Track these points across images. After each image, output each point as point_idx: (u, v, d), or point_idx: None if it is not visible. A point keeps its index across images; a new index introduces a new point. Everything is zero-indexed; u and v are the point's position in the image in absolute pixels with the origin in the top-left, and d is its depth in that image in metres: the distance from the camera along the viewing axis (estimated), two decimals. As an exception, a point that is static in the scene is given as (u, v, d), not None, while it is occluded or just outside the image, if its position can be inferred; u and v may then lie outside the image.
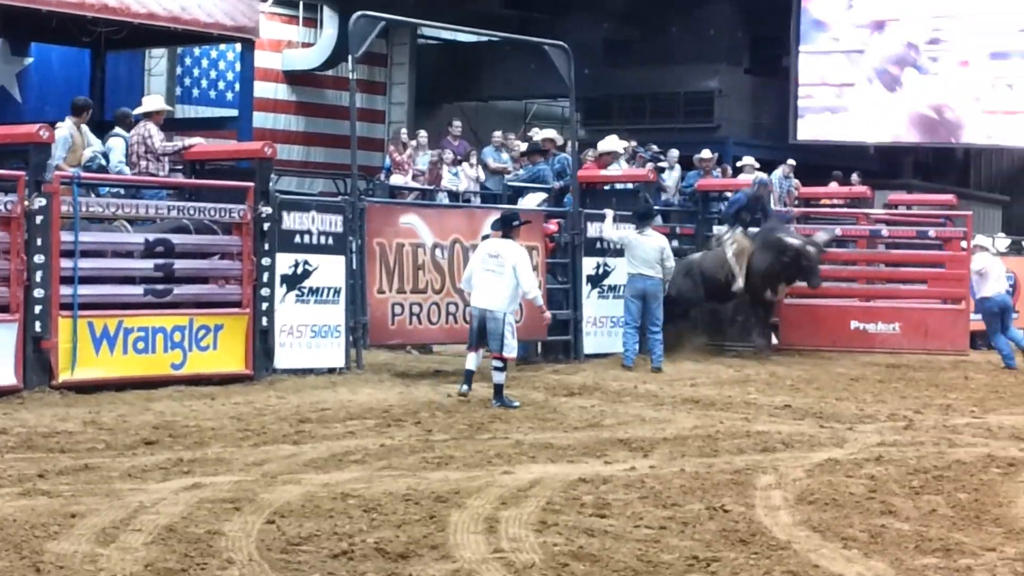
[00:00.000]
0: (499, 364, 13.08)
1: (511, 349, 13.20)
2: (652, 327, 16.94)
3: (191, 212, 14.07)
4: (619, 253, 17.37)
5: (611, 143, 19.54)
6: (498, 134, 20.60)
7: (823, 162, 28.03)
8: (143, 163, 14.88)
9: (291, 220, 14.59)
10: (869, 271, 20.92)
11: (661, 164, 21.25)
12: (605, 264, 17.71)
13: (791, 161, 23.64)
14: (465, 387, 13.22)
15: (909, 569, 7.15)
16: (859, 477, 9.64)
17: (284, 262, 14.45)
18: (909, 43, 32.31)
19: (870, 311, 19.85)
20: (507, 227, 13.48)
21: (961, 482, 9.56)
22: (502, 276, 13.11)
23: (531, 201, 18.31)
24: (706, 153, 21.61)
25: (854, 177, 25.93)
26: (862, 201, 22.58)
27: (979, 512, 8.57)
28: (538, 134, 20.03)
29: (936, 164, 35.21)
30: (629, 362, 16.75)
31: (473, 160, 20.54)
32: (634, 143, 21.00)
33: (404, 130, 21.77)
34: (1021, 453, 10.90)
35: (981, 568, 7.19)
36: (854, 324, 19.62)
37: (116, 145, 15.29)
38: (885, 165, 34.04)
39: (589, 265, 17.61)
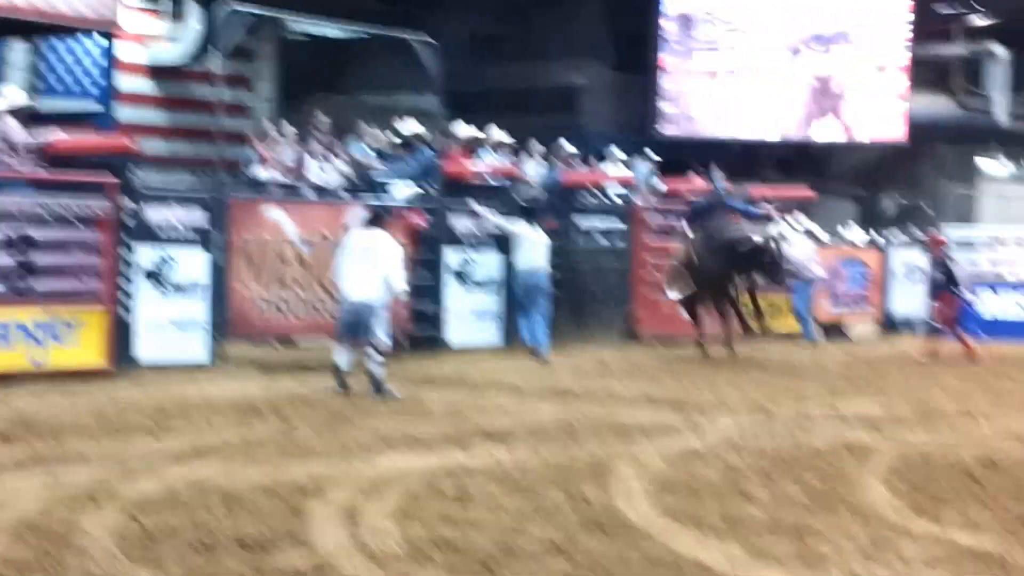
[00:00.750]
0: (378, 358, 13.12)
1: (384, 340, 13.25)
2: (540, 319, 17.25)
3: (51, 206, 13.88)
4: (485, 246, 17.50)
5: (472, 129, 19.67)
6: (365, 128, 20.53)
7: (685, 156, 28.37)
8: (3, 157, 14.61)
9: (154, 214, 14.49)
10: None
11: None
12: (470, 258, 17.79)
13: (652, 155, 23.86)
14: (340, 388, 13.20)
15: (763, 553, 7.31)
16: (716, 465, 9.83)
17: (146, 256, 14.34)
18: (769, 44, 33.09)
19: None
20: (378, 220, 13.52)
21: (814, 468, 9.77)
22: (375, 267, 13.15)
23: (399, 194, 18.30)
24: (568, 147, 21.73)
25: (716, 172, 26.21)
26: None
27: (831, 497, 8.79)
28: (404, 127, 20.05)
29: (793, 158, 35.87)
30: (535, 344, 17.20)
31: (340, 154, 20.46)
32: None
33: (270, 123, 21.60)
34: (871, 439, 11.18)
35: (832, 550, 7.37)
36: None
37: None
38: (744, 159, 34.58)
39: (454, 259, 17.68)
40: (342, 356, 13.35)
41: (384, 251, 13.25)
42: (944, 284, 19.24)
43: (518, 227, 17.59)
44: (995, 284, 24.15)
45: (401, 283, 13.48)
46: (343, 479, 8.86)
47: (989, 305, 23.76)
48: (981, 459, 10.21)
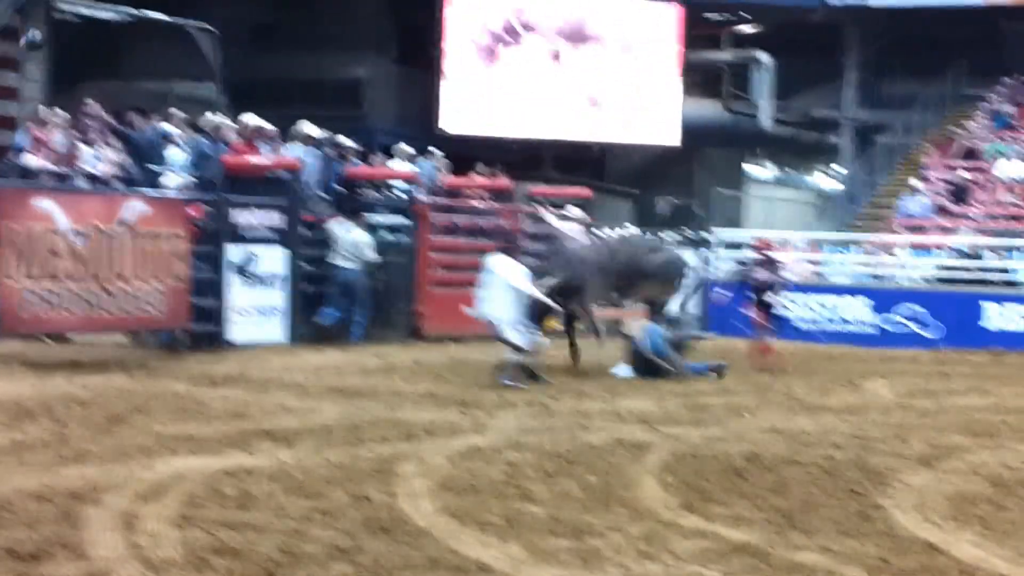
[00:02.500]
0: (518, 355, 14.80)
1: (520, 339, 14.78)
2: (357, 313, 18.78)
3: None
4: (268, 241, 17.43)
5: (256, 118, 19.55)
6: (136, 116, 20.11)
7: (468, 153, 28.54)
8: None
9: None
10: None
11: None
12: (252, 253, 17.61)
13: (439, 152, 23.93)
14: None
15: (542, 551, 7.42)
16: (498, 463, 9.93)
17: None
18: (546, 46, 33.65)
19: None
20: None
21: (592, 465, 9.95)
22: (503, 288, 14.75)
23: (169, 182, 17.97)
24: (346, 140, 21.64)
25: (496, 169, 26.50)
26: (504, 192, 23.14)
27: (608, 494, 8.99)
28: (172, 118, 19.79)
29: (573, 158, 36.44)
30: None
31: (114, 142, 20.00)
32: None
33: (43, 107, 21.00)
34: (646, 436, 11.41)
35: (608, 547, 7.54)
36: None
37: None
38: (526, 159, 34.99)
39: (235, 253, 17.45)
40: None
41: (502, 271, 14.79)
42: (766, 287, 18.48)
43: (333, 226, 18.79)
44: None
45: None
46: (120, 483, 8.66)
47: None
48: (746, 454, 10.58)
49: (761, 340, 18.32)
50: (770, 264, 18.73)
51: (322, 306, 18.99)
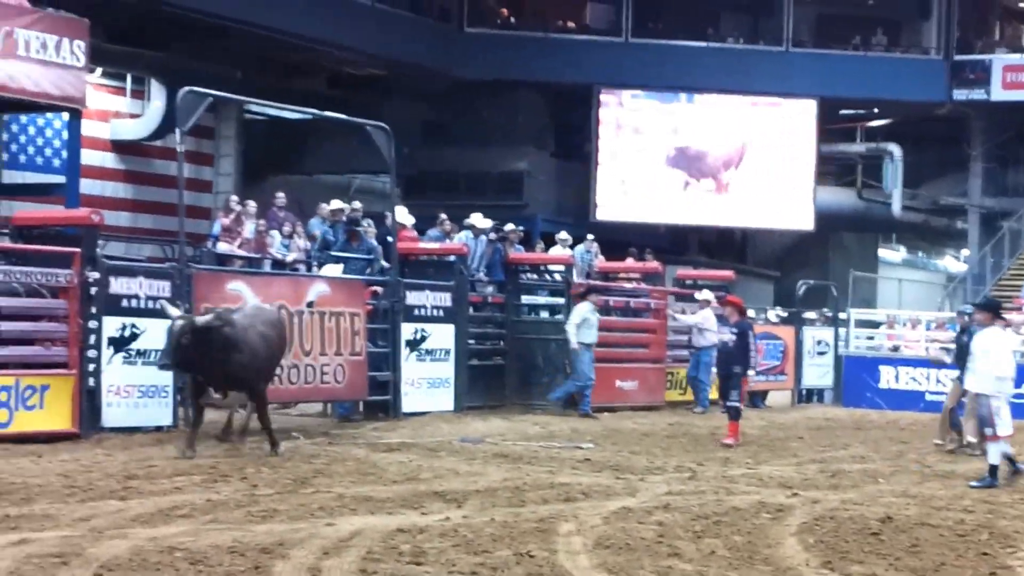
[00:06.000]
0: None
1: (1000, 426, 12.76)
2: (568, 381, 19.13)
3: (18, 276, 13.61)
4: (436, 319, 17.61)
5: (402, 215, 19.90)
6: (325, 208, 20.48)
7: (620, 239, 28.56)
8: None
9: (119, 285, 14.19)
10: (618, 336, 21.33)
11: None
12: (422, 330, 17.76)
13: (591, 237, 23.99)
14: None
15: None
16: (649, 523, 9.83)
17: (112, 325, 14.05)
18: (694, 142, 33.78)
19: (625, 371, 20.75)
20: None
21: (737, 526, 9.83)
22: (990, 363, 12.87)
23: (330, 271, 18.20)
24: (510, 228, 21.81)
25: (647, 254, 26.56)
26: (654, 275, 23.07)
27: (752, 553, 8.85)
28: (343, 206, 20.10)
29: (718, 243, 36.29)
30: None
31: (301, 231, 20.37)
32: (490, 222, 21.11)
33: (234, 197, 21.45)
34: (788, 500, 11.29)
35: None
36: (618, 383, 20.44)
37: None
38: (674, 243, 34.92)
39: (408, 330, 17.59)
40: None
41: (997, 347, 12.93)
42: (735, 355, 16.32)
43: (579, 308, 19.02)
44: (892, 360, 24.46)
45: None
46: (305, 539, 8.67)
47: (887, 378, 23.89)
48: (881, 517, 10.43)
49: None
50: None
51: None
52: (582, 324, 18.93)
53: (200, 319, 12.50)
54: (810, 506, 10.95)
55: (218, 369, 12.69)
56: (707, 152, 34.16)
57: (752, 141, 34.35)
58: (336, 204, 19.94)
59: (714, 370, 17.39)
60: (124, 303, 14.17)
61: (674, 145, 33.92)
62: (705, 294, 21.40)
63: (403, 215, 19.91)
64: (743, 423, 16.63)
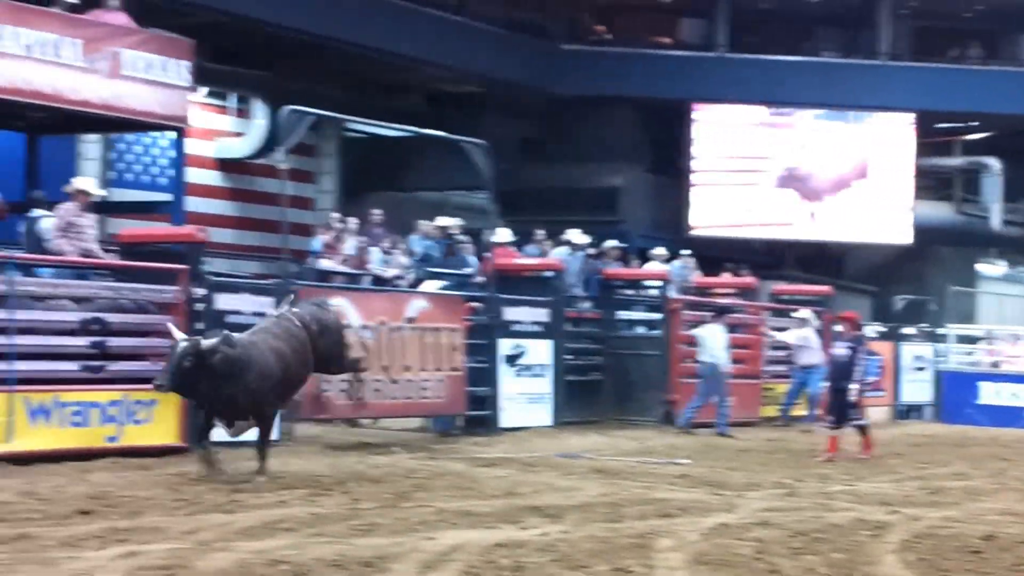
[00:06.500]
0: None
1: None
2: (721, 403, 19.21)
3: (126, 292, 13.81)
4: (533, 334, 17.56)
5: (504, 234, 20.12)
6: (425, 224, 20.63)
7: (716, 254, 28.41)
8: (82, 245, 14.61)
9: (224, 301, 14.36)
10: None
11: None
12: (520, 345, 17.81)
13: (687, 252, 23.92)
14: None
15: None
16: (747, 539, 9.73)
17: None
18: (785, 157, 33.53)
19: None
20: None
21: (836, 543, 9.69)
22: None
23: (429, 287, 18.30)
24: (611, 243, 21.82)
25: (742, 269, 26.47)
26: (749, 290, 22.93)
27: (851, 570, 8.73)
28: (443, 222, 20.22)
29: (814, 257, 35.97)
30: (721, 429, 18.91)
31: (400, 247, 20.53)
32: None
33: (336, 215, 21.65)
34: (887, 516, 11.11)
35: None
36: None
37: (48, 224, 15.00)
38: (770, 258, 34.65)
39: (506, 346, 17.64)
40: None
41: None
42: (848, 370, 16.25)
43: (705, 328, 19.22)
44: (992, 375, 24.13)
45: None
46: (406, 553, 8.70)
47: (987, 394, 23.63)
48: (983, 535, 10.22)
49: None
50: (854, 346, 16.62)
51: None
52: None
53: (205, 342, 11.70)
54: (910, 523, 10.77)
55: (223, 396, 11.79)
56: (808, 170, 33.84)
57: (851, 156, 33.99)
58: (443, 221, 20.00)
59: (825, 384, 17.20)
60: (228, 319, 14.32)
61: (771, 160, 33.66)
62: (805, 312, 21.22)
63: (505, 235, 20.02)
64: (842, 439, 16.44)
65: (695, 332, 19.48)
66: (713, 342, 19.16)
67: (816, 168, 33.89)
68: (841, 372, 16.25)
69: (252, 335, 12.29)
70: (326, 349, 12.66)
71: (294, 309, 12.79)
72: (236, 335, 12.02)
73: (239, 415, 12.00)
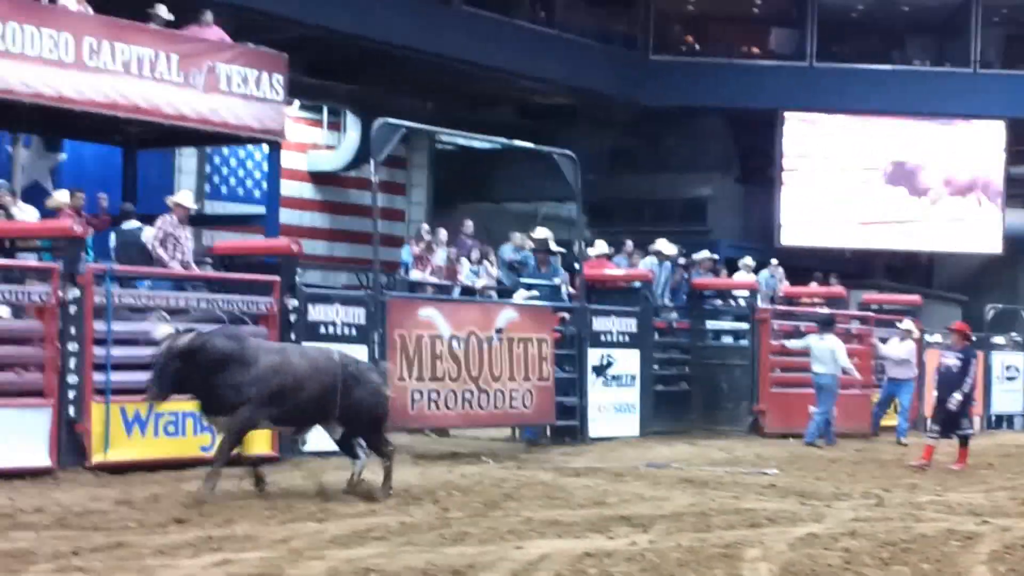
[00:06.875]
0: None
1: None
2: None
3: (221, 304, 13.97)
4: (621, 345, 17.55)
5: (600, 247, 20.17)
6: (517, 235, 20.70)
7: (804, 264, 28.22)
8: (178, 256, 14.83)
9: (316, 312, 14.48)
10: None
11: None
12: (608, 355, 17.81)
13: (775, 262, 23.79)
14: None
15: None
16: (835, 550, 9.65)
17: (313, 351, 14.33)
18: (879, 166, 33.19)
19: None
20: None
21: (925, 554, 9.59)
22: None
23: (518, 298, 18.34)
24: (704, 254, 21.76)
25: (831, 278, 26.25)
26: (838, 300, 22.72)
27: (940, 579, 8.63)
28: (537, 233, 20.22)
29: (903, 266, 35.57)
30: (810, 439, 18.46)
31: (491, 258, 20.62)
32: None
33: (426, 226, 21.80)
34: (977, 527, 10.96)
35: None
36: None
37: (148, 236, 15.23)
38: (859, 267, 34.34)
39: (594, 356, 17.65)
40: None
41: None
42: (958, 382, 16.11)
43: (810, 339, 18.97)
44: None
45: None
46: (495, 562, 8.74)
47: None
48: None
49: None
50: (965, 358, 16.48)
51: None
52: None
53: (181, 340, 10.89)
54: (1000, 534, 10.61)
55: (208, 386, 11.12)
56: (916, 163, 33.42)
57: (940, 163, 33.60)
58: (541, 232, 19.96)
59: (935, 393, 16.95)
60: (321, 330, 14.46)
61: (863, 167, 33.35)
62: (907, 324, 20.86)
63: (601, 247, 20.11)
64: (936, 449, 16.24)
65: (808, 343, 19.07)
66: (824, 354, 18.72)
67: (924, 161, 33.44)
68: (951, 383, 16.06)
69: (283, 344, 12.41)
70: (357, 402, 11.70)
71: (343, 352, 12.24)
72: (251, 337, 11.97)
73: (223, 409, 11.30)
